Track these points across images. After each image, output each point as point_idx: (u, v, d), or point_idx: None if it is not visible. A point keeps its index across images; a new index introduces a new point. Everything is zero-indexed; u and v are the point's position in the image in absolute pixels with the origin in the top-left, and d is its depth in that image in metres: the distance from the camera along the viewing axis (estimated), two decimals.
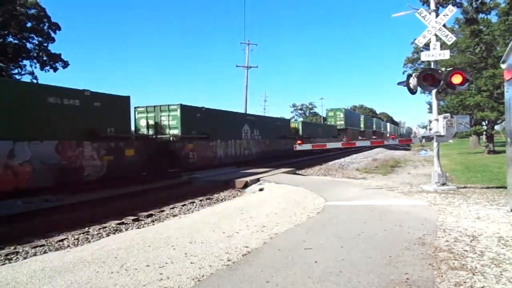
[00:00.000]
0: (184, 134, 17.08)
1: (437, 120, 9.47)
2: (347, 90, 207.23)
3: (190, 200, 10.01)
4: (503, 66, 7.08)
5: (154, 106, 17.50)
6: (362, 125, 55.52)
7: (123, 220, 7.79)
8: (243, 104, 40.58)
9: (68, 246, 6.09)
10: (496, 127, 32.34)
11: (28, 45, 30.88)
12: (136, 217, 8.04)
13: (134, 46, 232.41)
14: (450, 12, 9.58)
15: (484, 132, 30.29)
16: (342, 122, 45.64)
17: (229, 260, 4.35)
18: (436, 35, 9.54)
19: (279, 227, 5.96)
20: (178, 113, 17.09)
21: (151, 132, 17.22)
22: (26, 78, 31.04)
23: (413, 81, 9.55)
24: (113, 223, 7.50)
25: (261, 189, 11.28)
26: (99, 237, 6.55)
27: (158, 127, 17.28)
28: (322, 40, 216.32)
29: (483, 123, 29.17)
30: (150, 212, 8.50)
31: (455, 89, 9.70)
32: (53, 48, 31.76)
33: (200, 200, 10.12)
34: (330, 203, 7.83)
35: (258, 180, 12.60)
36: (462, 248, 4.52)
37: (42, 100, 10.87)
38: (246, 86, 39.62)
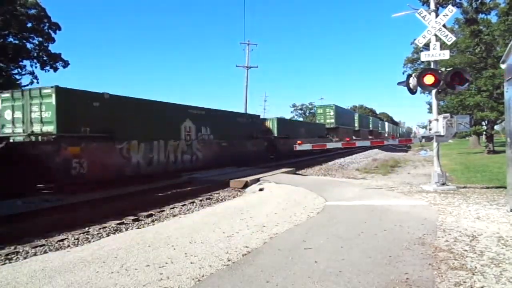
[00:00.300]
0: (62, 132, 11.51)
1: (437, 120, 9.48)
2: (347, 90, 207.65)
3: (190, 200, 10.02)
4: (502, 66, 7.10)
5: (23, 91, 12.31)
6: (356, 124, 50.95)
7: (123, 220, 7.80)
8: (243, 104, 40.48)
9: (68, 246, 6.09)
10: (496, 127, 32.35)
11: (28, 45, 30.88)
12: (136, 217, 8.04)
13: (134, 46, 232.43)
14: (450, 12, 9.58)
15: (484, 132, 30.31)
16: (333, 120, 40.70)
17: (229, 260, 4.35)
18: (436, 35, 9.54)
19: (279, 227, 5.96)
20: (52, 100, 11.43)
21: (19, 130, 12.01)
22: (26, 78, 31.11)
23: (413, 81, 9.56)
24: (113, 223, 7.51)
25: (261, 189, 11.29)
26: (99, 237, 6.56)
27: (27, 122, 11.90)
28: (322, 40, 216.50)
29: (483, 123, 29.19)
30: (150, 212, 8.51)
31: (455, 89, 9.70)
32: (53, 48, 31.82)
33: (200, 200, 10.13)
34: (330, 203, 7.84)
35: (258, 180, 12.61)
36: (462, 248, 4.52)
37: None
38: (246, 86, 39.63)
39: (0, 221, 7.42)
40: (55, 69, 32.26)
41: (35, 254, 5.54)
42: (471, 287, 3.42)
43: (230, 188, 12.17)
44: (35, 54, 31.26)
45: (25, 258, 5.34)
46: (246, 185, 12.20)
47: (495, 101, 24.06)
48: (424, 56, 9.86)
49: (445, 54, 9.61)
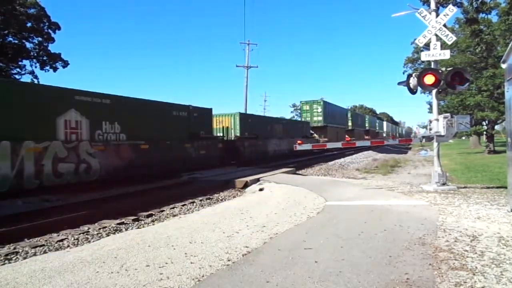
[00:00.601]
0: None
1: (437, 120, 9.47)
2: (347, 90, 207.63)
3: (190, 200, 10.01)
4: (503, 66, 7.08)
5: None
6: (350, 123, 46.66)
7: (123, 220, 7.78)
8: (243, 104, 40.39)
9: (68, 246, 6.08)
10: (496, 127, 32.37)
11: (28, 45, 30.88)
12: (136, 217, 8.03)
13: (134, 46, 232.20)
14: (451, 12, 9.57)
15: (485, 132, 30.29)
16: (321, 118, 35.81)
17: (229, 260, 4.34)
18: (436, 35, 9.53)
19: (279, 227, 5.95)
20: None
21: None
22: (26, 78, 31.09)
23: (413, 81, 9.55)
24: (113, 223, 7.49)
25: (261, 189, 11.29)
26: (99, 237, 6.54)
27: None
28: (322, 40, 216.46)
29: (483, 123, 29.18)
30: (150, 212, 8.49)
31: (455, 89, 9.69)
32: (52, 48, 31.81)
33: (200, 200, 10.12)
34: (330, 203, 7.83)
35: (258, 180, 12.61)
36: (463, 248, 4.51)
37: None
38: (246, 86, 39.63)
39: (0, 221, 7.41)
40: (55, 69, 32.27)
41: (34, 254, 5.52)
42: (472, 287, 3.42)
43: (230, 188, 12.17)
44: (35, 54, 31.26)
45: (24, 258, 5.32)
46: (246, 185, 12.20)
47: (496, 101, 24.05)
48: (425, 56, 9.84)
49: (446, 54, 9.60)
